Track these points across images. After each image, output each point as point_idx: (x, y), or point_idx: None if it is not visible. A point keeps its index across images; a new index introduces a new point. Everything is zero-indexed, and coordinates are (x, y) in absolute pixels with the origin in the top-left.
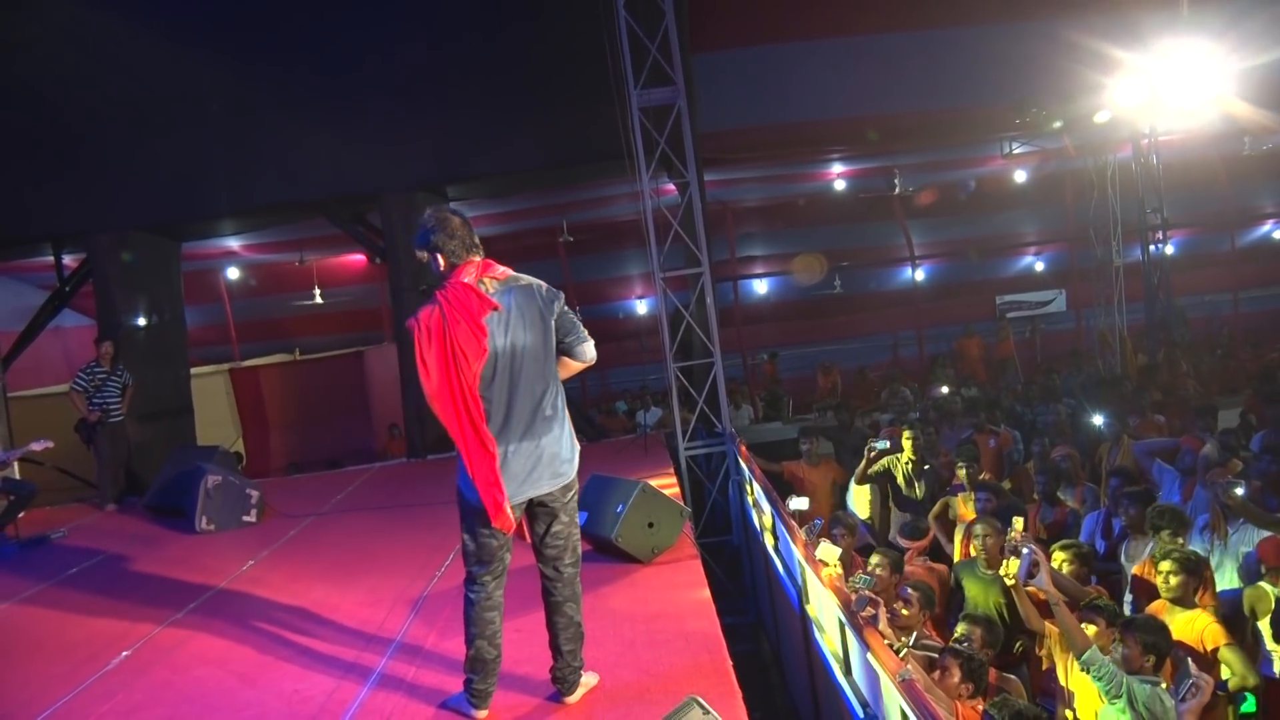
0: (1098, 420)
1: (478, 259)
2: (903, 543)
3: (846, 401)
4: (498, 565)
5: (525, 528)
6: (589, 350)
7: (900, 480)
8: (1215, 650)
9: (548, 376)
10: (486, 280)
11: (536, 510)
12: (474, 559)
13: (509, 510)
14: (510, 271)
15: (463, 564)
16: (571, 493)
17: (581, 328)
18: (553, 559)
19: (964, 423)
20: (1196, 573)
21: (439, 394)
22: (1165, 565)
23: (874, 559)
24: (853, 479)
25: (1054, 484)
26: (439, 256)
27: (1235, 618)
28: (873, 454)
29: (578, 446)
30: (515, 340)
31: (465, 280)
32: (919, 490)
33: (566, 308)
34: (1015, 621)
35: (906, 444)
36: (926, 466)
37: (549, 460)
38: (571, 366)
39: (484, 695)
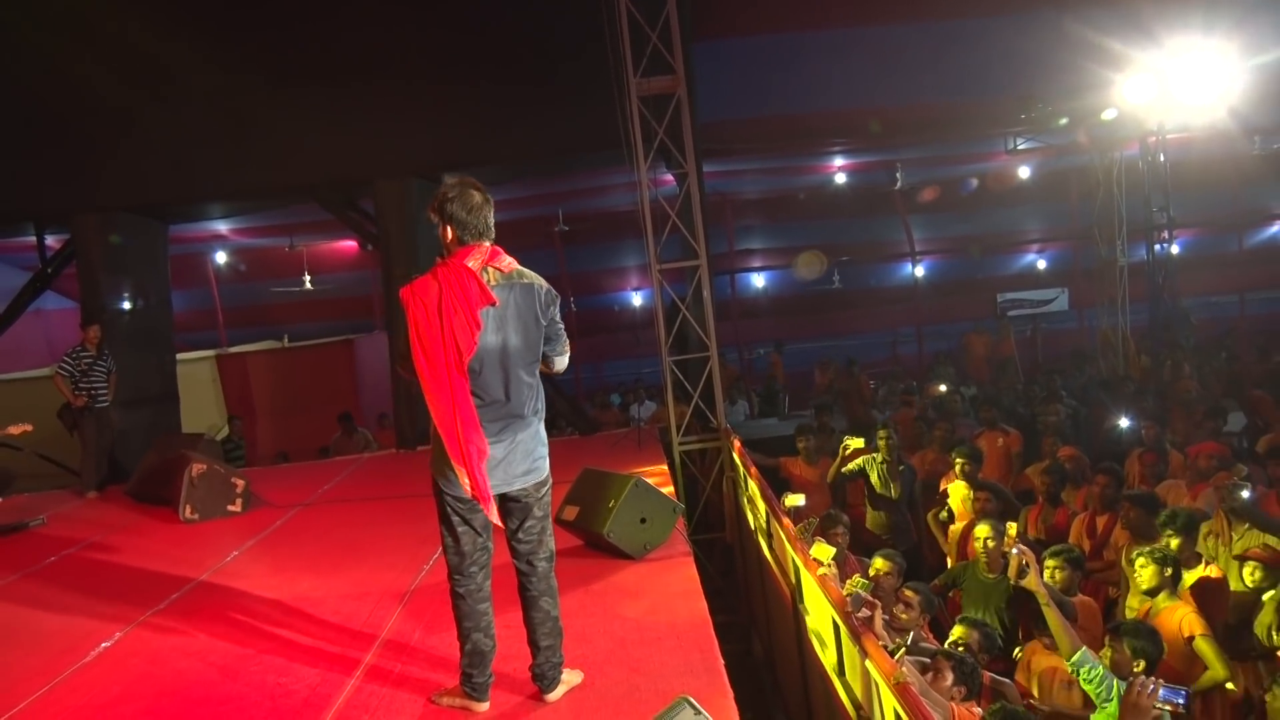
0: (1124, 423)
1: (487, 244)
2: None
3: (830, 403)
4: (482, 555)
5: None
6: (563, 362)
7: (875, 480)
8: (1191, 639)
9: (533, 377)
10: (490, 270)
11: (510, 506)
12: (455, 552)
13: (493, 498)
14: (516, 265)
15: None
16: (545, 489)
17: (565, 339)
18: (526, 554)
19: (971, 420)
20: (1167, 563)
21: (433, 378)
22: (1138, 561)
23: (878, 563)
24: (827, 478)
25: (1059, 485)
26: (449, 228)
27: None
28: (847, 453)
29: (547, 443)
30: (507, 339)
31: (469, 264)
32: (894, 490)
33: (559, 315)
34: (1014, 625)
35: (881, 443)
36: (901, 467)
37: (523, 457)
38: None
39: (484, 688)
